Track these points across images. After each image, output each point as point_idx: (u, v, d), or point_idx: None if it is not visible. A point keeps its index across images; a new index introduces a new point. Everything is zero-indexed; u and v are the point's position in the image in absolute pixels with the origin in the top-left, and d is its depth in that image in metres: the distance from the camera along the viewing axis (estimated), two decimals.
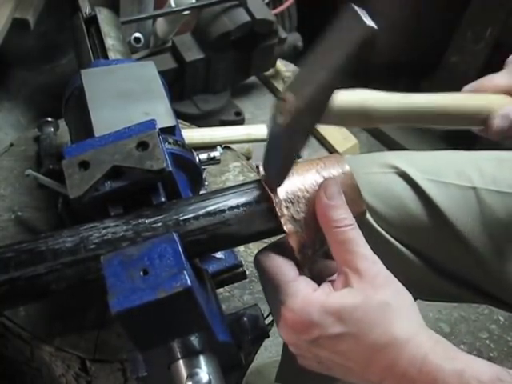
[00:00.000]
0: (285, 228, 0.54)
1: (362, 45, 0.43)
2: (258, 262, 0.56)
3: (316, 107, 0.47)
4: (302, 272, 0.54)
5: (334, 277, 0.54)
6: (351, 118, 0.59)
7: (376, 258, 0.52)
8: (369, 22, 0.42)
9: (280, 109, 0.47)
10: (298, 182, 0.55)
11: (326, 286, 0.52)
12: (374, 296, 0.49)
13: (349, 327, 0.49)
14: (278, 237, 0.58)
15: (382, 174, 0.78)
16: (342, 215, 0.52)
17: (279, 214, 0.54)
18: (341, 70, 0.44)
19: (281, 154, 0.52)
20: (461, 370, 0.47)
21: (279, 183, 0.54)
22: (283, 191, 0.55)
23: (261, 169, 0.56)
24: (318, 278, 0.54)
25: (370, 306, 0.49)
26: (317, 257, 0.56)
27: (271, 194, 0.54)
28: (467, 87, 0.66)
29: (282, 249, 0.55)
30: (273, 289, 0.53)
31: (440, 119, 0.64)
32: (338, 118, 0.59)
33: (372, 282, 0.50)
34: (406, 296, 0.52)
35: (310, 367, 0.55)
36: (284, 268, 0.53)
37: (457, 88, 0.67)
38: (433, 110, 0.62)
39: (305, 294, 0.51)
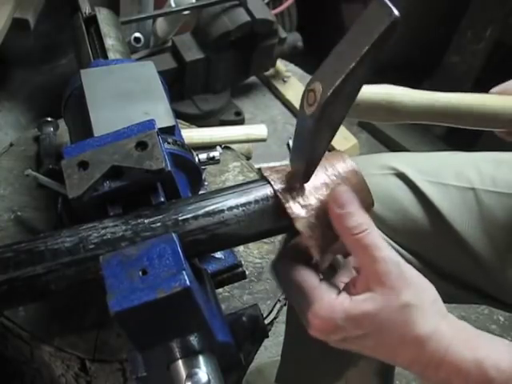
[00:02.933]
0: (290, 212, 0.54)
1: (388, 31, 0.42)
2: (279, 271, 0.57)
3: (344, 97, 0.47)
4: (320, 272, 0.55)
5: (354, 273, 0.56)
6: (378, 112, 0.59)
7: (396, 257, 0.52)
8: (395, 10, 0.42)
9: (308, 99, 0.46)
10: (312, 195, 0.55)
11: (348, 289, 0.54)
12: (396, 299, 0.50)
13: (371, 330, 0.51)
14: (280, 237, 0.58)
15: (381, 175, 0.78)
16: (356, 222, 0.52)
17: (283, 201, 0.54)
18: (369, 58, 0.44)
19: (309, 147, 0.51)
20: (481, 359, 0.49)
21: (307, 177, 0.54)
22: (302, 208, 0.54)
23: (263, 167, 0.56)
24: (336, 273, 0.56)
25: (391, 309, 0.50)
26: (333, 251, 0.56)
27: (273, 185, 0.55)
28: (492, 90, 0.66)
29: (298, 253, 0.55)
30: (297, 296, 0.54)
31: (466, 118, 0.64)
32: (365, 112, 0.59)
33: (393, 285, 0.51)
34: (428, 291, 0.53)
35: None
36: (306, 274, 0.54)
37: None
38: (460, 107, 0.63)
39: (328, 300, 0.52)
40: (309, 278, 0.54)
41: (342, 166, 0.56)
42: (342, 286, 0.56)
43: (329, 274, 0.57)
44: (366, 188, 0.56)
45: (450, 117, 0.63)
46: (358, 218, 0.53)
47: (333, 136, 0.51)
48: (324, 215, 0.54)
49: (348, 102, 0.49)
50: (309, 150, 0.52)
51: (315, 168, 0.54)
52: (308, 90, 0.47)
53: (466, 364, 0.49)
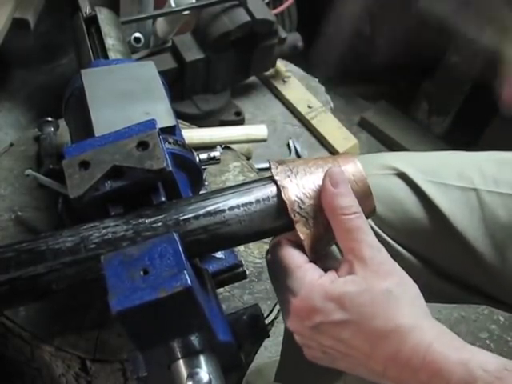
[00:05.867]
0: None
1: None
2: (269, 249, 0.57)
3: None
4: (311, 260, 0.54)
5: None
6: None
7: (381, 246, 0.52)
8: None
9: None
10: (307, 176, 0.55)
11: (331, 273, 0.53)
12: (378, 284, 0.50)
13: (351, 314, 0.49)
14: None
15: (382, 175, 0.78)
16: (348, 203, 0.52)
17: (287, 202, 0.54)
18: None
19: None
20: (466, 359, 0.46)
21: None
22: (292, 182, 0.55)
23: (272, 166, 0.56)
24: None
25: (372, 293, 0.49)
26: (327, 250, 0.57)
27: (279, 184, 0.55)
28: None
29: (293, 238, 0.55)
30: (280, 273, 0.54)
31: None
32: None
33: (376, 270, 0.50)
34: (410, 286, 0.52)
35: (316, 359, 0.55)
36: (293, 253, 0.54)
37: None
38: None
39: (310, 280, 0.51)
40: (295, 257, 0.53)
41: (347, 164, 0.56)
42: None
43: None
44: (371, 197, 0.56)
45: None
46: (350, 200, 0.53)
47: None
48: (318, 199, 0.54)
49: None
50: None
51: None
52: None
53: (449, 364, 0.46)
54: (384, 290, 0.49)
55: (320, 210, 0.54)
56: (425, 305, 0.52)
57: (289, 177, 0.55)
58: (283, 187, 0.54)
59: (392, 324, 0.48)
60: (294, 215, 0.54)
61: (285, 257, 0.54)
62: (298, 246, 0.54)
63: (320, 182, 0.55)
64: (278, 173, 0.55)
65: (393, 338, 0.48)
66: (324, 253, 0.56)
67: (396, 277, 0.51)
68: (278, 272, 0.54)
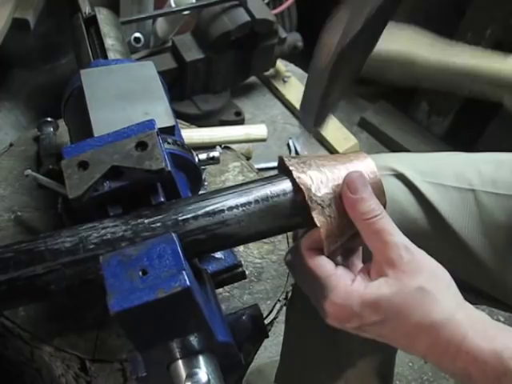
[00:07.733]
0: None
1: None
2: (293, 262, 0.58)
3: (361, 46, 0.45)
4: (337, 262, 0.55)
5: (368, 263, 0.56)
6: (391, 70, 0.58)
7: (407, 242, 0.54)
8: None
9: (321, 49, 0.45)
10: (320, 168, 0.56)
11: (362, 275, 0.54)
12: (409, 283, 0.51)
13: (387, 315, 0.52)
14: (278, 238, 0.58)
15: (380, 176, 0.78)
16: (368, 208, 0.53)
17: (303, 188, 0.54)
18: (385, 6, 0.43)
19: (320, 101, 0.50)
20: (500, 350, 0.49)
21: (318, 125, 0.53)
22: (306, 173, 0.55)
23: (285, 159, 0.56)
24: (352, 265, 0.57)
25: (406, 293, 0.51)
26: (346, 245, 0.57)
27: (294, 174, 0.55)
28: None
29: (312, 243, 0.55)
30: (313, 284, 0.55)
31: (478, 83, 0.64)
32: (382, 67, 0.57)
33: (406, 269, 0.52)
34: (441, 277, 0.54)
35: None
36: (320, 263, 0.54)
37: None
38: (474, 72, 0.62)
39: (343, 287, 0.53)
40: (323, 265, 0.54)
41: (362, 165, 0.57)
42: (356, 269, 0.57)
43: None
44: (383, 196, 0.57)
45: (462, 85, 0.63)
46: (371, 204, 0.54)
47: (349, 83, 0.50)
48: (339, 201, 0.55)
49: (363, 54, 0.47)
50: (319, 105, 0.51)
51: (325, 118, 0.53)
52: (321, 41, 0.46)
53: (483, 354, 0.49)
54: (416, 288, 0.51)
55: (335, 199, 0.55)
56: (458, 292, 0.54)
57: (302, 168, 0.55)
58: (298, 177, 0.55)
59: (428, 320, 0.51)
60: (311, 202, 0.54)
61: (313, 267, 0.54)
62: (320, 250, 0.55)
63: (333, 173, 0.55)
64: (292, 164, 0.56)
65: (429, 333, 0.51)
66: (338, 245, 0.56)
67: (426, 272, 0.53)
68: (309, 282, 0.55)
